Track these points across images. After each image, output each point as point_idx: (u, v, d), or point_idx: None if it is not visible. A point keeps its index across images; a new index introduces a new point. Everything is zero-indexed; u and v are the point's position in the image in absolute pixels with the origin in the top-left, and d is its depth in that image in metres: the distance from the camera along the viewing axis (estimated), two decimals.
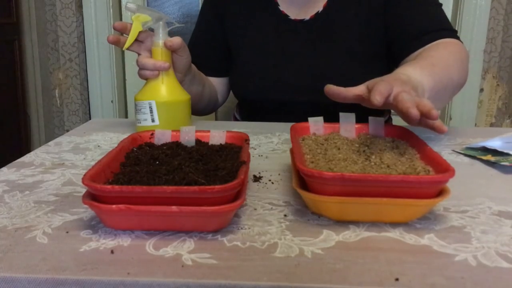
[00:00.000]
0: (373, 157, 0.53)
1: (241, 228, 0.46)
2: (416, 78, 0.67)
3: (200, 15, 1.11)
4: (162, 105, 0.79)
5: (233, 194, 0.45)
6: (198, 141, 0.62)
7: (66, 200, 0.54)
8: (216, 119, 1.50)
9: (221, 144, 0.61)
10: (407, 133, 0.61)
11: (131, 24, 0.80)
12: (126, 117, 2.16)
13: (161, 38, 0.79)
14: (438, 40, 0.88)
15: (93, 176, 0.45)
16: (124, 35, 0.82)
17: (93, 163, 0.64)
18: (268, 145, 0.77)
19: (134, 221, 0.44)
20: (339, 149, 0.57)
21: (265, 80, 1.01)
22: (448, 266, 0.39)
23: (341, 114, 0.63)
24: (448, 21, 0.94)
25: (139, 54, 0.83)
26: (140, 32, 0.81)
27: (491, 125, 1.94)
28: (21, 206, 0.52)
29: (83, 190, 0.55)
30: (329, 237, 0.44)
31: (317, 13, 0.99)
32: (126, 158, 0.55)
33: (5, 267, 0.39)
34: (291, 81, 1.00)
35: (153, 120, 0.79)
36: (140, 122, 0.80)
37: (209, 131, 0.63)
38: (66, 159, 0.70)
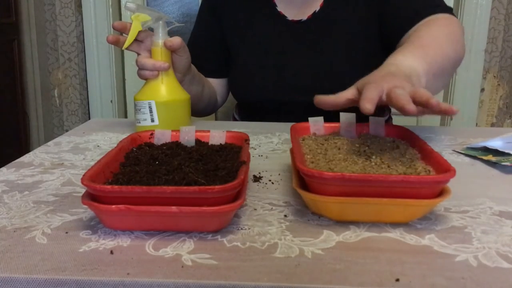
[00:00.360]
0: (374, 157, 0.53)
1: (241, 229, 0.46)
2: (408, 65, 0.64)
3: (199, 16, 1.11)
4: (162, 105, 0.79)
5: (233, 194, 0.44)
6: (198, 141, 0.62)
7: (66, 200, 0.54)
8: (216, 119, 1.50)
9: (221, 144, 0.61)
10: (408, 133, 0.61)
11: (131, 23, 0.80)
12: (126, 117, 2.16)
13: (160, 38, 0.79)
14: (429, 17, 0.84)
15: (92, 176, 0.45)
16: (124, 34, 0.81)
17: (92, 163, 0.64)
18: (268, 145, 0.77)
19: (134, 222, 0.44)
20: (339, 149, 0.57)
21: (264, 81, 1.01)
22: (448, 267, 0.39)
23: (341, 114, 0.63)
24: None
25: (138, 54, 0.83)
26: (139, 32, 0.81)
27: (492, 125, 1.94)
28: (20, 206, 0.52)
29: (82, 190, 0.55)
30: (329, 238, 0.44)
31: (314, 13, 0.99)
32: (125, 158, 0.55)
33: (4, 268, 0.39)
34: (291, 82, 0.99)
35: (152, 120, 0.79)
36: (140, 122, 0.80)
37: (209, 131, 0.63)
38: (66, 159, 0.69)
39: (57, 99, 2.12)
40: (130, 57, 2.07)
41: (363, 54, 0.98)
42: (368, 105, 0.50)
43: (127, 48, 0.82)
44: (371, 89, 0.52)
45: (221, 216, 0.44)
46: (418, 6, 0.87)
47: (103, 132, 0.86)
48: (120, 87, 2.09)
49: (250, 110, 1.09)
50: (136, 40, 0.82)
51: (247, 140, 0.60)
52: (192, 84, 0.93)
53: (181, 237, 0.44)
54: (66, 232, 0.45)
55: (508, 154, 0.68)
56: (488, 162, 0.68)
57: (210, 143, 0.62)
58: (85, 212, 0.50)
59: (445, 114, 0.52)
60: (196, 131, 0.62)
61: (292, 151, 0.58)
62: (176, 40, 0.79)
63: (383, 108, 1.08)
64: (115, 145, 0.57)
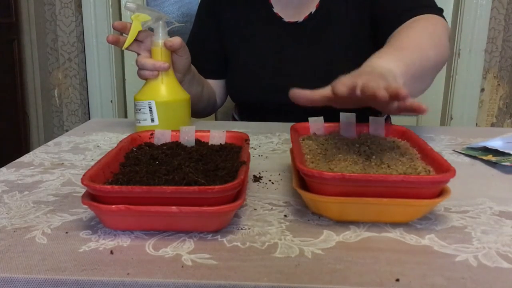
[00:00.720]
0: (374, 157, 0.53)
1: (241, 229, 0.46)
2: (383, 66, 0.63)
3: (197, 16, 1.11)
4: (162, 105, 0.79)
5: (233, 194, 0.44)
6: (198, 141, 0.62)
7: (66, 200, 0.54)
8: (216, 119, 1.50)
9: (221, 144, 0.61)
10: (408, 133, 0.61)
11: (131, 23, 0.80)
12: (126, 117, 2.16)
13: (160, 38, 0.79)
14: (414, 17, 0.83)
15: (92, 176, 0.45)
16: (124, 34, 0.81)
17: (92, 163, 0.64)
18: (268, 145, 0.77)
19: (134, 222, 0.44)
20: (339, 149, 0.57)
21: (262, 83, 1.01)
22: (448, 267, 0.39)
23: (341, 114, 0.63)
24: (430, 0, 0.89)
25: (138, 54, 0.83)
26: (139, 32, 0.81)
27: (492, 125, 1.94)
28: (20, 207, 0.52)
29: (82, 190, 0.55)
30: (329, 238, 0.44)
31: (310, 14, 0.99)
32: (125, 158, 0.55)
33: (4, 268, 0.39)
34: (288, 83, 0.99)
35: (152, 120, 0.79)
36: (140, 122, 0.80)
37: (209, 131, 0.63)
38: (66, 159, 0.69)
39: (57, 99, 2.12)
40: (130, 57, 2.07)
41: (359, 55, 0.98)
42: (340, 87, 0.49)
43: (127, 48, 0.82)
44: (346, 77, 0.52)
45: (221, 216, 0.44)
46: (405, 6, 0.86)
47: (103, 132, 0.86)
48: (120, 87, 2.09)
49: (249, 111, 1.09)
50: (136, 40, 0.82)
51: (247, 140, 0.60)
52: (192, 85, 0.93)
53: (181, 237, 0.44)
54: (66, 232, 0.45)
55: (508, 154, 0.68)
56: (488, 162, 0.68)
57: (210, 143, 0.62)
58: (85, 212, 0.50)
59: (416, 112, 0.51)
60: (196, 131, 0.62)
61: (292, 151, 0.58)
62: (176, 40, 0.79)
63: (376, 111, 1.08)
64: (115, 145, 0.57)
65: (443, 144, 0.78)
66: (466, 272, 0.39)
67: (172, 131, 0.63)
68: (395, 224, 0.47)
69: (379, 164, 0.51)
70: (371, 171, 0.49)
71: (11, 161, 0.68)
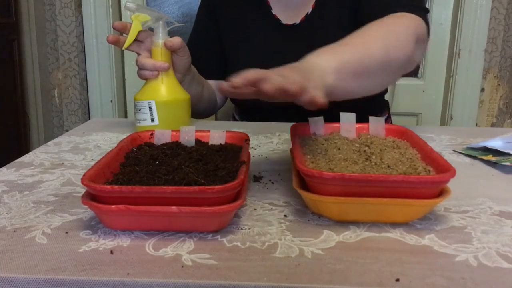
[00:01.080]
0: (374, 157, 0.53)
1: (241, 229, 0.46)
2: (313, 62, 0.61)
3: (197, 17, 1.11)
4: (162, 105, 0.79)
5: (233, 194, 0.44)
6: (198, 141, 0.62)
7: (66, 200, 0.54)
8: (216, 119, 1.50)
9: (221, 144, 0.61)
10: (408, 133, 0.61)
11: (131, 23, 0.80)
12: (126, 117, 2.16)
13: (160, 38, 0.79)
14: (389, 15, 0.80)
15: (92, 176, 0.45)
16: (124, 34, 0.81)
17: (92, 163, 0.64)
18: (268, 145, 0.77)
19: (134, 222, 0.44)
20: (339, 149, 0.57)
21: None
22: (448, 267, 0.39)
23: (341, 114, 0.63)
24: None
25: (138, 54, 0.83)
26: (139, 32, 0.81)
27: (492, 125, 1.94)
28: (20, 207, 0.52)
29: (82, 190, 0.55)
30: (329, 238, 0.44)
31: (307, 15, 0.99)
32: (125, 158, 0.55)
33: (4, 268, 0.39)
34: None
35: (152, 120, 0.79)
36: (140, 122, 0.80)
37: (209, 131, 0.63)
38: (66, 159, 0.69)
39: (57, 99, 2.12)
40: (130, 57, 2.07)
41: None
42: (236, 78, 0.49)
43: (127, 48, 0.82)
44: (251, 71, 0.50)
45: (221, 216, 0.44)
46: (384, 4, 0.83)
47: (103, 132, 0.86)
48: (120, 87, 2.09)
49: (249, 111, 1.09)
50: (136, 40, 0.82)
51: (247, 140, 0.60)
52: (192, 85, 0.93)
53: (181, 237, 0.44)
54: (66, 232, 0.45)
55: (508, 154, 0.68)
56: (488, 162, 0.68)
57: (210, 143, 0.62)
58: (85, 212, 0.50)
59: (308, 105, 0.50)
60: (196, 131, 0.62)
61: (292, 151, 0.58)
62: (176, 40, 0.79)
63: (376, 109, 1.08)
64: (115, 145, 0.57)
65: (443, 144, 0.78)
66: (466, 272, 0.39)
67: (172, 131, 0.63)
68: (395, 224, 0.47)
69: (379, 164, 0.51)
70: (371, 171, 0.49)
71: (11, 161, 0.68)
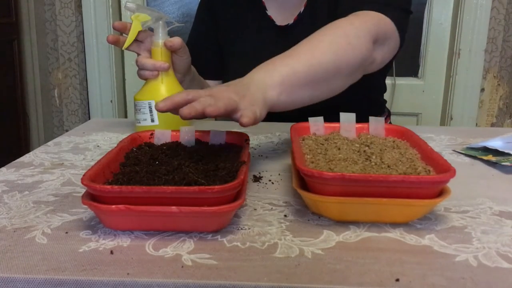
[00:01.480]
0: (374, 157, 0.53)
1: (241, 229, 0.46)
2: (254, 77, 0.62)
3: (196, 18, 1.11)
4: None
5: (233, 194, 0.44)
6: (198, 141, 0.62)
7: (66, 200, 0.54)
8: (216, 119, 1.50)
9: (221, 144, 0.61)
10: (408, 133, 0.61)
11: (131, 23, 0.80)
12: (126, 117, 2.16)
13: (160, 38, 0.79)
14: (354, 13, 0.78)
15: (92, 176, 0.45)
16: (124, 34, 0.81)
17: (92, 163, 0.64)
18: (268, 145, 0.77)
19: (134, 222, 0.44)
20: (339, 149, 0.57)
21: None
22: (448, 267, 0.39)
23: (341, 114, 0.63)
24: None
25: (138, 54, 0.83)
26: (139, 32, 0.81)
27: (492, 125, 1.94)
28: (20, 207, 0.52)
29: (82, 190, 0.55)
30: (329, 238, 0.44)
31: (299, 14, 0.98)
32: (125, 158, 0.55)
33: (4, 268, 0.39)
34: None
35: (152, 120, 0.79)
36: (140, 122, 0.80)
37: (209, 131, 0.63)
38: (66, 159, 0.69)
39: (57, 99, 2.12)
40: (130, 57, 2.07)
41: None
42: (160, 103, 0.51)
43: (127, 48, 0.82)
44: (181, 94, 0.52)
45: (221, 216, 0.44)
46: (351, 3, 0.82)
47: (103, 132, 0.86)
48: (120, 87, 2.09)
49: None
50: (136, 40, 0.82)
51: (247, 140, 0.60)
52: (192, 85, 0.93)
53: (181, 237, 0.44)
54: (66, 232, 0.45)
55: (508, 154, 0.68)
56: (488, 162, 0.68)
57: (210, 143, 0.62)
58: (85, 212, 0.50)
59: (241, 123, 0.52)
60: (196, 131, 0.62)
61: (292, 151, 0.58)
62: (176, 40, 0.79)
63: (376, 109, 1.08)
64: (115, 145, 0.57)
65: (443, 144, 0.78)
66: (466, 272, 0.39)
67: (172, 131, 0.63)
68: (395, 224, 0.47)
69: (379, 164, 0.51)
70: (371, 171, 0.49)
71: (11, 161, 0.68)
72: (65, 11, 2.02)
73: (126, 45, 0.81)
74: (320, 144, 0.59)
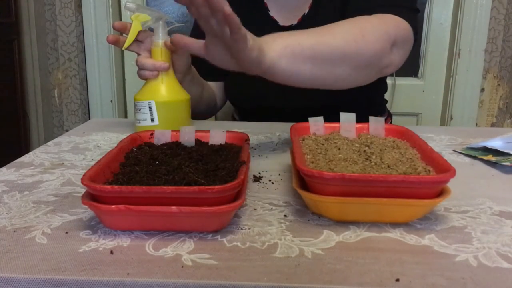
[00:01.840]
0: (374, 157, 0.53)
1: (241, 229, 0.46)
2: (262, 38, 0.62)
3: (196, 20, 1.11)
4: (162, 105, 0.79)
5: (233, 194, 0.44)
6: (198, 141, 0.62)
7: (66, 200, 0.54)
8: (216, 119, 1.51)
9: (221, 144, 0.61)
10: (408, 133, 0.61)
11: (131, 23, 0.80)
12: (126, 117, 2.16)
13: (160, 38, 0.79)
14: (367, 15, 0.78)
15: (92, 176, 0.45)
16: (124, 34, 0.81)
17: (92, 163, 0.64)
18: (268, 145, 0.77)
19: (134, 222, 0.44)
20: (339, 149, 0.57)
21: (257, 88, 1.01)
22: (448, 267, 0.39)
23: (341, 114, 0.63)
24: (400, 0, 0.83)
25: (138, 54, 0.83)
26: (139, 32, 0.81)
27: (492, 125, 1.94)
28: (20, 207, 0.52)
29: (82, 190, 0.55)
30: (329, 238, 0.44)
31: (303, 16, 0.98)
32: (125, 158, 0.55)
33: (4, 268, 0.39)
34: (282, 88, 0.99)
35: (152, 120, 0.79)
36: (140, 122, 0.80)
37: (209, 131, 0.63)
38: (66, 159, 0.69)
39: (57, 99, 2.12)
40: (130, 57, 2.07)
41: None
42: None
43: (127, 48, 0.82)
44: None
45: (221, 216, 0.44)
46: (366, 5, 0.82)
47: (103, 132, 0.86)
48: (120, 87, 2.09)
49: (248, 113, 1.09)
50: (136, 40, 0.82)
51: (247, 140, 0.60)
52: (192, 85, 0.93)
53: (181, 237, 0.44)
54: (66, 232, 0.45)
55: (508, 154, 0.68)
56: (488, 162, 0.68)
57: (210, 143, 0.62)
58: (85, 212, 0.50)
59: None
60: (196, 131, 0.62)
61: (292, 151, 0.58)
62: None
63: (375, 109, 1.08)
64: (115, 145, 0.57)
65: (443, 144, 0.78)
66: (466, 272, 0.39)
67: (172, 131, 0.63)
68: (395, 224, 0.47)
69: (379, 164, 0.51)
70: (371, 171, 0.49)
71: (11, 161, 0.68)
72: (65, 11, 2.02)
73: (126, 45, 0.81)
74: (320, 144, 0.59)
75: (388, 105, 1.18)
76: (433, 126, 1.41)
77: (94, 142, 0.79)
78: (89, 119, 1.71)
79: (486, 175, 0.63)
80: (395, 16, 0.78)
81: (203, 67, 1.05)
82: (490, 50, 1.86)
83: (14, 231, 0.45)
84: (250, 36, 0.56)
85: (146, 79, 0.81)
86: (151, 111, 0.79)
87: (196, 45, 0.56)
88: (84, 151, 0.74)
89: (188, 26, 1.13)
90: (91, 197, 0.44)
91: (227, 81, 1.08)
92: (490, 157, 0.68)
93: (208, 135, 0.63)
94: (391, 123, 1.09)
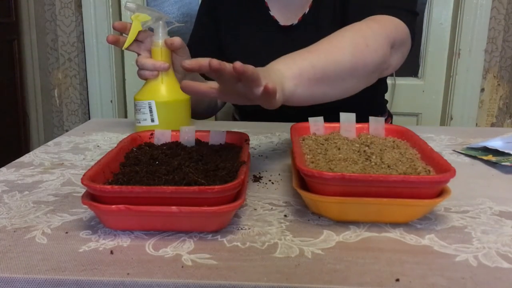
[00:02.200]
0: (374, 157, 0.53)
1: (241, 229, 0.46)
2: (274, 67, 0.62)
3: (197, 18, 1.11)
4: (162, 105, 0.79)
5: (233, 194, 0.44)
6: (198, 141, 0.62)
7: (66, 200, 0.54)
8: (216, 119, 1.51)
9: (221, 144, 0.61)
10: (408, 133, 0.61)
11: (131, 23, 0.80)
12: (126, 117, 2.16)
13: (160, 38, 0.79)
14: (369, 17, 0.79)
15: (92, 176, 0.45)
16: (124, 34, 0.81)
17: (92, 163, 0.64)
18: (268, 145, 0.77)
19: (134, 222, 0.44)
20: (339, 149, 0.57)
21: None
22: (448, 267, 0.39)
23: (341, 114, 0.63)
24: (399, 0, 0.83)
25: (138, 54, 0.83)
26: (139, 32, 0.81)
27: (492, 125, 1.94)
28: (20, 207, 0.52)
29: (82, 190, 0.55)
30: (329, 238, 0.44)
31: (304, 15, 0.98)
32: (125, 158, 0.55)
33: (4, 268, 0.39)
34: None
35: (152, 120, 0.79)
36: (140, 122, 0.80)
37: (209, 131, 0.63)
38: (66, 159, 0.69)
39: (57, 99, 2.12)
40: (130, 57, 2.07)
41: None
42: (187, 62, 0.52)
43: (127, 48, 0.82)
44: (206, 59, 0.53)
45: (221, 216, 0.44)
46: (364, 5, 0.82)
47: (103, 132, 0.86)
48: (120, 87, 2.09)
49: (248, 112, 1.09)
50: (136, 40, 0.82)
51: (247, 140, 0.60)
52: None
53: (181, 237, 0.44)
54: (66, 232, 0.45)
55: (508, 154, 0.68)
56: (488, 162, 0.68)
57: (210, 143, 0.62)
58: (85, 212, 0.50)
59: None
60: (196, 131, 0.62)
61: (292, 151, 0.58)
62: (176, 40, 0.79)
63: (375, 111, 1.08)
64: (115, 145, 0.57)
65: (443, 144, 0.78)
66: (466, 272, 0.39)
67: (172, 131, 0.63)
68: (395, 224, 0.47)
69: (379, 164, 0.51)
70: (371, 171, 0.49)
71: (11, 161, 0.68)
72: (65, 11, 2.02)
73: (126, 45, 0.81)
74: (320, 144, 0.59)
75: (388, 105, 1.18)
76: (433, 126, 1.41)
77: (94, 142, 0.79)
78: (89, 119, 1.71)
79: (486, 175, 0.63)
80: (394, 18, 0.79)
81: None
82: (490, 50, 1.86)
83: (14, 231, 0.46)
84: (274, 85, 0.54)
85: (146, 79, 0.81)
86: (151, 111, 0.79)
87: (209, 91, 0.55)
88: (84, 151, 0.74)
89: (188, 27, 1.13)
90: (91, 197, 0.44)
91: None
92: (490, 157, 0.68)
93: (208, 135, 0.63)
94: (391, 123, 1.09)
